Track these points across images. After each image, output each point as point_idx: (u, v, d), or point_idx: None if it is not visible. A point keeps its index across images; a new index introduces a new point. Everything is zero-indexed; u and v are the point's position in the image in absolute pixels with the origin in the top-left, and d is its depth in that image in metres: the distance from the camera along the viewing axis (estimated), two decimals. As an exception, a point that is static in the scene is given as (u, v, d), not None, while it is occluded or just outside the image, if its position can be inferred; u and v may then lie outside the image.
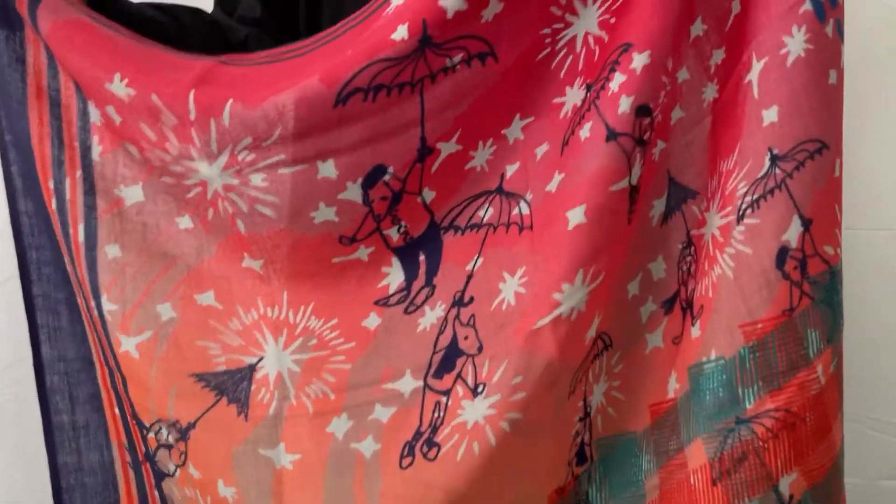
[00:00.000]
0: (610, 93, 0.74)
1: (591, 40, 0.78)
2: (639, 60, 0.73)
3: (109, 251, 0.79)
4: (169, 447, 0.79)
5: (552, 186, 0.76)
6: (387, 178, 0.78)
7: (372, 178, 0.77)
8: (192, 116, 0.73)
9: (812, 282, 0.74)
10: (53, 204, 0.78)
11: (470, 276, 0.80)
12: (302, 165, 0.75)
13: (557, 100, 0.79)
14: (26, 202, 0.81)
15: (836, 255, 0.75)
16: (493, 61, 0.76)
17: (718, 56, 0.79)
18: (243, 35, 1.00)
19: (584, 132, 0.75)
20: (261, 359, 0.81)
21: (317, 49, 0.80)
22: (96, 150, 0.80)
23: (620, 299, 0.83)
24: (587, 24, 0.78)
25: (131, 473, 0.85)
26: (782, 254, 0.73)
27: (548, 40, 0.79)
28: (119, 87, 0.74)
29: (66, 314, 0.82)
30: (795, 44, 0.72)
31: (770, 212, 0.73)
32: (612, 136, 0.73)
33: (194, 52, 0.85)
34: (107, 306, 0.78)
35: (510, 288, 0.77)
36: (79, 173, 0.79)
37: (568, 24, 0.79)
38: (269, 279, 0.82)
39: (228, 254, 0.82)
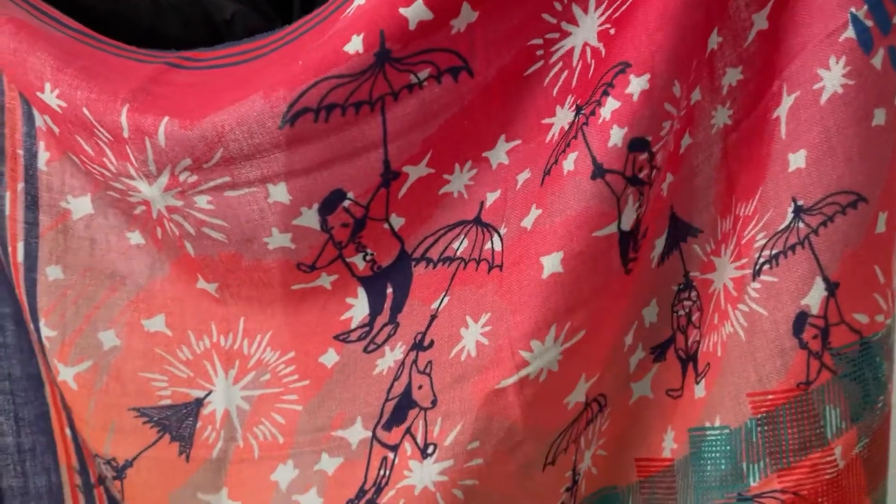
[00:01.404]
0: (601, 120, 0.63)
1: (588, 53, 0.67)
2: (636, 85, 0.62)
3: (50, 273, 0.73)
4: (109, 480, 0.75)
5: (527, 222, 0.67)
6: (346, 203, 0.69)
7: (330, 204, 0.69)
8: (126, 134, 0.66)
9: (835, 353, 0.63)
10: (-8, 217, 0.73)
11: (433, 317, 0.71)
12: (249, 189, 0.67)
13: (546, 120, 0.69)
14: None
15: (873, 323, 0.64)
16: (468, 76, 0.66)
17: (733, 76, 0.68)
18: (229, 13, 0.92)
19: (568, 163, 0.65)
20: (209, 393, 0.75)
21: (273, 52, 0.72)
22: (43, 158, 0.74)
23: (616, 356, 0.73)
24: (587, 34, 0.67)
25: (81, 498, 0.80)
26: (800, 320, 0.63)
27: (539, 52, 0.68)
28: (50, 98, 0.67)
29: (11, 329, 0.76)
30: (832, 78, 0.61)
31: (789, 271, 0.63)
32: (598, 172, 0.63)
33: (156, 47, 0.78)
34: (45, 332, 0.72)
35: (471, 336, 0.68)
36: (21, 185, 0.73)
37: (564, 34, 0.68)
38: (226, 302, 0.75)
39: (182, 274, 0.75)
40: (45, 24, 0.73)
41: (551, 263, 0.64)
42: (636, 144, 0.63)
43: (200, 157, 0.65)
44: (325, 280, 0.74)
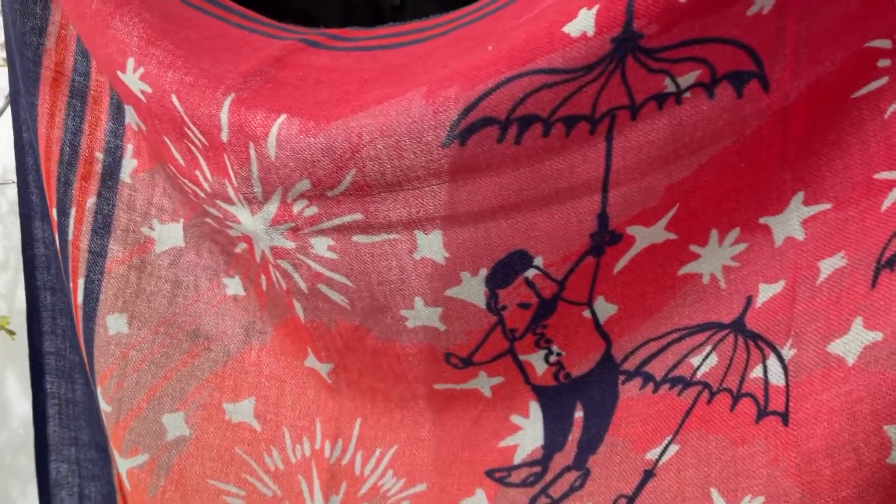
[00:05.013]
0: None
1: None
2: None
3: (112, 324, 0.53)
4: None
5: (845, 349, 0.39)
6: (531, 274, 0.45)
7: (506, 272, 0.45)
8: (225, 137, 0.46)
9: None
10: (57, 242, 0.55)
11: (649, 475, 0.45)
12: (388, 235, 0.45)
13: (884, 175, 0.42)
14: (43, 226, 0.58)
15: None
16: (760, 90, 0.41)
17: None
18: None
19: None
20: (299, 526, 0.52)
21: (452, 31, 0.49)
22: (128, 166, 0.55)
23: None
24: None
25: None
26: None
27: (884, 62, 0.41)
28: (132, 80, 0.48)
29: (81, 383, 0.59)
30: None
31: None
32: None
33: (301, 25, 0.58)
34: (101, 405, 0.52)
35: None
36: (91, 200, 0.54)
37: None
38: (340, 392, 0.53)
39: (287, 344, 0.54)
40: None
41: None
42: None
43: (324, 179, 0.44)
44: (484, 382, 0.50)
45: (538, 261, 0.44)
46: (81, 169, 0.54)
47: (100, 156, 0.54)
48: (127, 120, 0.54)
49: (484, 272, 0.45)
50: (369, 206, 0.44)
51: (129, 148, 0.55)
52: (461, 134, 0.40)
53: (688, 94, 0.40)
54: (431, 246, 0.44)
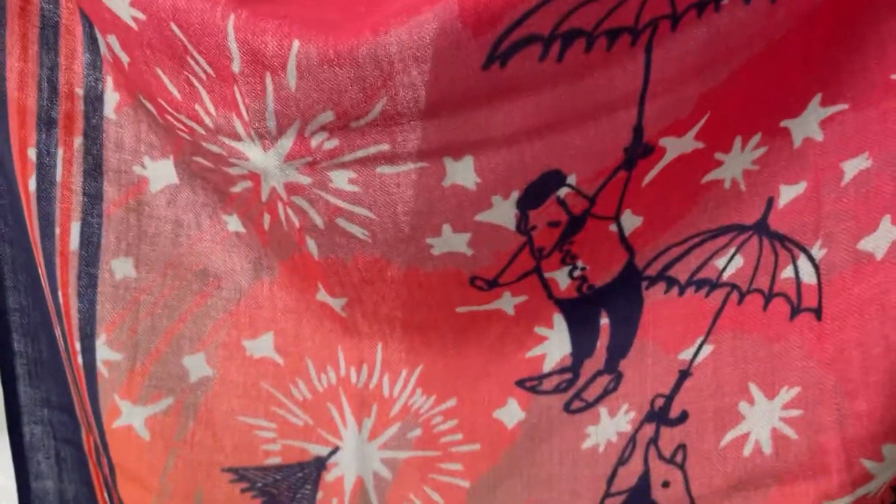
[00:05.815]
0: None
1: None
2: None
3: (118, 268, 0.51)
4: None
5: (874, 245, 0.41)
6: (563, 192, 0.45)
7: (538, 192, 0.45)
8: (237, 67, 0.43)
9: None
10: (32, 184, 0.51)
11: (685, 374, 0.47)
12: (415, 164, 0.44)
13: None
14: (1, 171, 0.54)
15: None
16: None
17: None
18: None
19: None
20: (335, 450, 0.52)
21: None
22: (111, 101, 0.51)
23: None
24: None
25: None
26: None
27: None
28: (121, 6, 0.44)
29: (46, 342, 0.55)
30: None
31: None
32: None
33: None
34: (104, 354, 0.51)
35: (763, 418, 0.43)
36: (79, 140, 0.50)
37: None
38: (356, 326, 0.53)
39: (297, 279, 0.53)
40: None
41: None
42: None
43: (350, 109, 0.42)
44: (508, 302, 0.50)
45: (571, 178, 0.44)
46: (63, 106, 0.49)
47: (80, 91, 0.50)
48: (102, 51, 0.50)
49: (516, 194, 0.44)
50: (397, 136, 0.42)
51: (109, 81, 0.50)
52: (502, 55, 0.39)
53: (725, 1, 0.40)
54: (462, 172, 0.43)
